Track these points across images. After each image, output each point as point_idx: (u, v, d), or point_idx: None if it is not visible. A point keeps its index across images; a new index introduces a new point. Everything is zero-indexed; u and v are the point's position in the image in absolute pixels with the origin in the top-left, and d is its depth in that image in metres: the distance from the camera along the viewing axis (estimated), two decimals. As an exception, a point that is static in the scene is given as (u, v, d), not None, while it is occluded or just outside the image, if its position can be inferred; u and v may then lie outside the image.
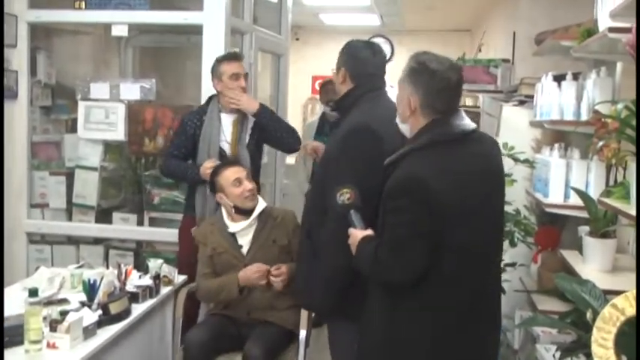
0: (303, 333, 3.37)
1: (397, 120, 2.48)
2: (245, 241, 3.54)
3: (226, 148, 3.88)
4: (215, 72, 3.88)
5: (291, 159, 6.14)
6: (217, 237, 3.57)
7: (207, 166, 3.73)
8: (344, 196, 2.52)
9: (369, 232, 2.47)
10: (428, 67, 2.31)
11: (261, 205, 3.57)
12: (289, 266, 3.43)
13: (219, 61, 3.89)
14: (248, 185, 3.53)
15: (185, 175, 3.93)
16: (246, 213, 3.54)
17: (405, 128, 2.44)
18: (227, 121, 3.91)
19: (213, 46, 4.16)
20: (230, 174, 3.55)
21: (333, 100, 5.06)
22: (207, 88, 4.15)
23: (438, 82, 2.30)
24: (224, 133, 3.89)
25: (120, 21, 4.33)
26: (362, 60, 2.91)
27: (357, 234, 2.48)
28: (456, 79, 2.34)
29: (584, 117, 3.20)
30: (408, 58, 2.42)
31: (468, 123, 2.36)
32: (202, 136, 3.87)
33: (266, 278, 3.40)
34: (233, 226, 3.55)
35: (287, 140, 4.01)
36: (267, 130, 3.91)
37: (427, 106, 2.32)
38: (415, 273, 2.25)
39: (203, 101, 4.14)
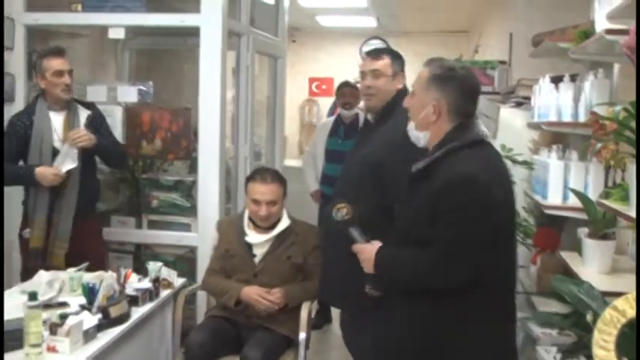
0: (302, 335, 3.38)
1: (411, 127, 2.46)
2: (259, 252, 3.53)
3: (59, 147, 3.77)
4: (38, 68, 3.80)
5: (298, 162, 6.15)
6: (232, 239, 3.57)
7: (51, 172, 3.65)
8: (341, 211, 2.53)
9: (377, 243, 2.47)
10: (458, 73, 2.37)
11: (284, 223, 3.54)
12: (286, 291, 3.43)
13: (42, 56, 3.80)
14: (263, 211, 3.47)
15: (17, 177, 3.78)
16: (265, 227, 3.54)
17: (422, 136, 2.43)
18: (57, 119, 3.81)
19: (211, 48, 4.15)
20: (255, 191, 3.51)
21: (350, 103, 5.26)
22: (205, 90, 4.15)
23: (470, 87, 2.39)
24: (56, 132, 3.79)
25: (117, 24, 4.32)
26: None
27: (369, 247, 2.47)
28: (479, 83, 2.48)
29: (581, 118, 3.21)
30: (425, 65, 2.44)
31: (485, 129, 2.43)
32: (34, 136, 3.75)
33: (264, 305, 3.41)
34: (252, 236, 3.54)
35: (112, 162, 4.09)
36: (99, 149, 3.86)
37: (456, 110, 2.35)
38: (476, 275, 2.25)
39: (201, 103, 4.14)
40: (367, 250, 2.47)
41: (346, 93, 5.34)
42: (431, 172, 2.32)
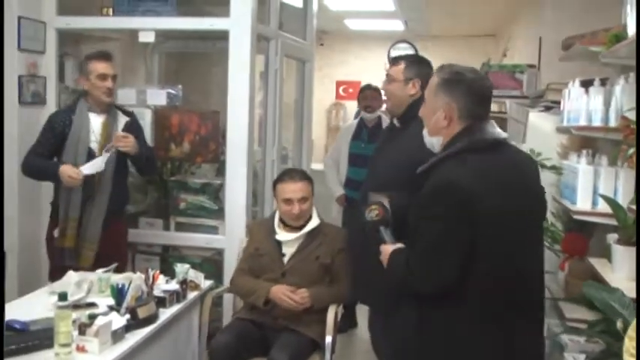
0: (329, 338, 3.38)
1: (425, 134, 2.46)
2: (289, 251, 3.56)
3: (95, 148, 3.81)
4: (83, 70, 3.85)
5: (319, 165, 6.16)
6: (262, 238, 3.61)
7: (69, 174, 3.65)
8: (372, 212, 2.57)
9: (400, 245, 2.47)
10: (466, 77, 2.33)
11: (314, 222, 3.59)
12: (312, 293, 3.44)
13: (88, 58, 3.85)
14: (296, 209, 3.52)
15: (46, 171, 3.83)
16: (295, 227, 3.57)
17: (436, 141, 2.42)
18: (96, 121, 3.85)
19: (239, 51, 4.18)
20: (286, 191, 3.55)
21: (371, 106, 5.26)
22: (233, 94, 4.18)
23: (478, 90, 2.34)
24: (94, 134, 3.83)
25: (147, 27, 4.36)
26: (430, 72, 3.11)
27: (388, 248, 2.49)
28: (491, 86, 2.42)
29: (612, 123, 3.17)
30: (435, 71, 2.44)
31: (499, 132, 2.36)
32: (71, 135, 3.79)
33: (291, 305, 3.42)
34: (281, 235, 3.58)
35: (144, 169, 4.11)
36: (137, 157, 3.89)
37: (466, 114, 2.32)
38: (447, 283, 2.22)
39: (230, 106, 4.17)
40: (385, 251, 2.50)
41: (368, 96, 5.34)
42: (429, 175, 2.32)
